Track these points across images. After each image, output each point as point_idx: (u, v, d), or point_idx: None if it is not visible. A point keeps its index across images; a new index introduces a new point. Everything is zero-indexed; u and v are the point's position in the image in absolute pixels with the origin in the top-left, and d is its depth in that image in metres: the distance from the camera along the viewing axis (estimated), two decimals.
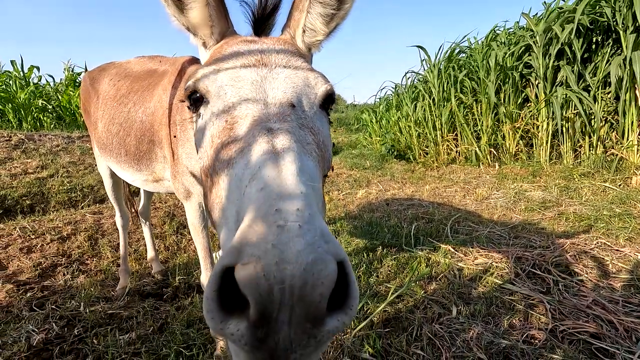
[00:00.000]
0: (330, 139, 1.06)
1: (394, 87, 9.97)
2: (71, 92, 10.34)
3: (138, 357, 1.96)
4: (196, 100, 1.03)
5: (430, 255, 3.06)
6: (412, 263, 2.93)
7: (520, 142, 6.61)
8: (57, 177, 5.49)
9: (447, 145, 7.59)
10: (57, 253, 3.32)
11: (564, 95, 5.65)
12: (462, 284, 2.59)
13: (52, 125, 9.60)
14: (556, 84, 5.99)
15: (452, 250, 3.14)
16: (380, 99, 11.05)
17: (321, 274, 0.56)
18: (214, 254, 2.05)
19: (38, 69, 10.86)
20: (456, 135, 7.55)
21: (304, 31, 1.21)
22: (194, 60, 1.90)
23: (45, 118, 9.85)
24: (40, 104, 9.92)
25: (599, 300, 2.20)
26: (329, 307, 0.59)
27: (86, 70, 10.20)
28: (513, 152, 6.68)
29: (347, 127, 13.71)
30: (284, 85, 0.96)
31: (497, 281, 2.56)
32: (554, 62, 5.91)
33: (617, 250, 2.93)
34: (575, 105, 5.62)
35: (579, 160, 5.79)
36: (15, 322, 2.26)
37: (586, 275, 2.54)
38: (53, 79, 11.54)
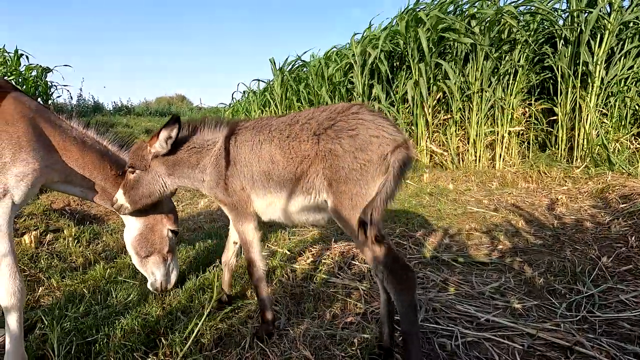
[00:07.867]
0: None
1: (242, 92, 10.17)
2: None
3: None
4: None
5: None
6: None
7: None
8: None
9: None
10: None
11: (379, 109, 6.79)
12: (295, 285, 2.74)
13: None
14: (372, 98, 7.13)
15: (288, 252, 3.30)
16: (227, 104, 11.09)
17: None
18: None
19: None
20: None
21: None
22: None
23: None
24: None
25: None
26: None
27: None
28: None
29: None
30: None
31: (324, 276, 2.82)
32: (369, 80, 7.02)
33: (411, 235, 3.68)
34: None
35: None
36: None
37: None
38: None
